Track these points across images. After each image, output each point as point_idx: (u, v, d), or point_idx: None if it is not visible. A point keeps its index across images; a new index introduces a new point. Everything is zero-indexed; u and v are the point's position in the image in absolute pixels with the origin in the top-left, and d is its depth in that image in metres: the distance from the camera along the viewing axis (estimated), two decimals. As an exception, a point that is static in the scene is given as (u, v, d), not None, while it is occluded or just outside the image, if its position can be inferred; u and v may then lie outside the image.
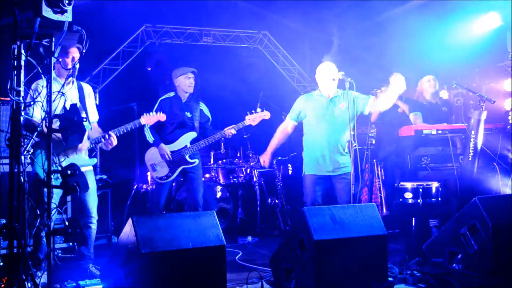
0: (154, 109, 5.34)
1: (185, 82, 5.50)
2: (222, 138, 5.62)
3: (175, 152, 5.40)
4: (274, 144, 5.13)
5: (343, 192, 4.84)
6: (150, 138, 5.39)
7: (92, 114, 4.54)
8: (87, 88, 4.51)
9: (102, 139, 4.37)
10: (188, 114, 5.51)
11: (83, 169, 4.22)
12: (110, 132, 4.39)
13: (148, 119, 4.95)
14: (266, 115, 5.44)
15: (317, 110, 4.92)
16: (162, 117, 5.07)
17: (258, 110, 5.41)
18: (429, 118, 5.73)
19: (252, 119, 5.40)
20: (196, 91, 5.67)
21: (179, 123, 5.45)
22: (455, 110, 6.18)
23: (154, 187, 5.56)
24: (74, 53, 4.11)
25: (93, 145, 4.41)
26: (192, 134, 5.49)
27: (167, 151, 5.35)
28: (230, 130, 5.38)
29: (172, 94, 5.53)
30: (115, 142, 4.41)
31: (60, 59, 4.04)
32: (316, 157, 4.89)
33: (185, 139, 5.45)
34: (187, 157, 5.42)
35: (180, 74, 5.51)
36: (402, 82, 4.60)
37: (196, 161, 5.48)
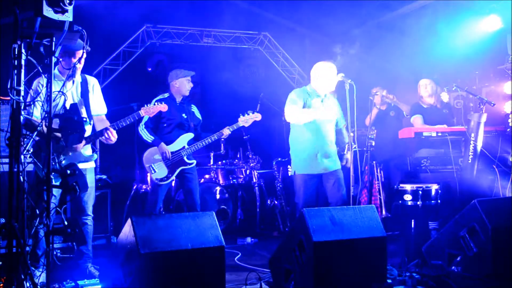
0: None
1: (186, 85, 5.51)
2: (221, 138, 5.65)
3: (174, 153, 5.39)
4: None
5: (335, 189, 4.82)
6: (148, 137, 5.36)
7: (99, 107, 4.48)
8: (91, 81, 4.46)
9: (104, 134, 4.28)
10: (184, 116, 5.52)
11: (83, 166, 4.20)
12: (108, 127, 4.35)
13: (147, 111, 4.83)
14: (258, 116, 5.59)
15: (312, 108, 4.85)
16: (163, 107, 4.96)
17: (250, 112, 5.57)
18: (430, 121, 5.74)
19: (244, 121, 5.54)
20: (196, 92, 5.66)
21: (177, 124, 5.44)
22: (456, 113, 6.20)
23: (150, 189, 5.50)
24: (80, 54, 4.11)
25: (93, 140, 4.37)
26: (190, 135, 5.50)
27: (168, 150, 5.35)
28: (226, 131, 5.49)
29: (166, 95, 5.51)
30: (114, 136, 4.33)
31: (61, 59, 4.05)
32: (308, 156, 4.86)
33: (183, 140, 5.45)
34: (185, 158, 5.42)
35: (183, 76, 5.51)
36: None
37: (194, 162, 5.50)
